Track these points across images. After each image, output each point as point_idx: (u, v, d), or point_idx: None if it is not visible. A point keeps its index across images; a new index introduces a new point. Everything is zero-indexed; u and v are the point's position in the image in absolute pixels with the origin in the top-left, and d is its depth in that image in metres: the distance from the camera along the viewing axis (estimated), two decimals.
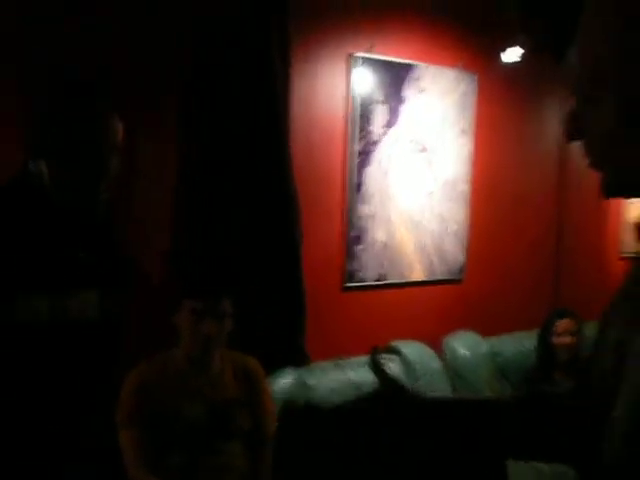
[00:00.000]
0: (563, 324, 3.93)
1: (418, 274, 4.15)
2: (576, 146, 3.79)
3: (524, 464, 1.21)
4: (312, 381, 3.50)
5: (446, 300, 4.29)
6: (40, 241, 1.76)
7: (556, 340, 3.92)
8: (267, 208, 2.98)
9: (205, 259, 2.88)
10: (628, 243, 5.27)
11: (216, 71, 2.87)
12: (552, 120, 4.76)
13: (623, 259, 5.22)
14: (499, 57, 4.23)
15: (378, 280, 3.99)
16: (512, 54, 3.71)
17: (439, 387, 3.88)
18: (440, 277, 4.26)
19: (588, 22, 1.04)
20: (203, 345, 2.67)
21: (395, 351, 3.92)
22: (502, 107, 4.48)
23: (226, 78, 2.87)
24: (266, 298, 3.12)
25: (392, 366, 3.81)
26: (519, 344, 4.31)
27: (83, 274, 1.83)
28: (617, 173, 1.03)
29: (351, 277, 3.89)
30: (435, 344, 4.10)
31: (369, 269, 3.94)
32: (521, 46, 3.67)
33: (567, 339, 3.92)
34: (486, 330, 4.30)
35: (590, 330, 4.30)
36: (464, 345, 4.16)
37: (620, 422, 0.99)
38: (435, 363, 3.98)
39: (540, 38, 3.97)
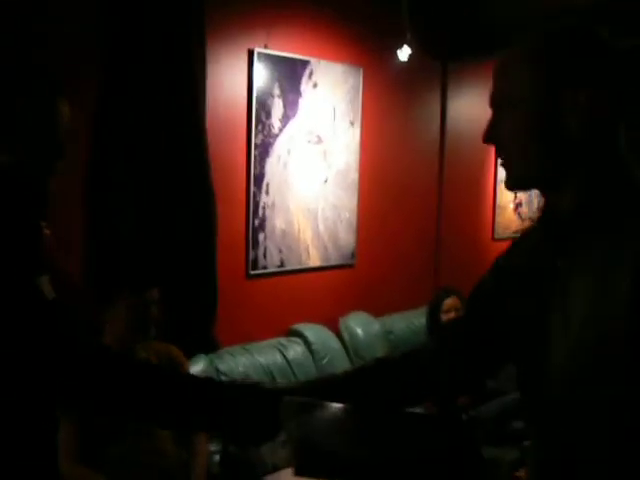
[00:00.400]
0: (449, 302, 4.24)
1: (314, 260, 4.36)
2: (453, 137, 4.18)
3: None
4: (223, 366, 3.63)
5: (340, 284, 4.52)
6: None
7: (444, 317, 4.23)
8: (186, 198, 3.08)
9: (132, 251, 2.95)
10: (501, 226, 5.72)
11: (135, 53, 2.92)
12: (433, 113, 5.09)
13: (496, 241, 5.66)
14: (384, 52, 4.50)
15: (279, 267, 4.16)
16: (404, 53, 3.96)
17: (340, 365, 4.11)
18: (334, 262, 4.49)
19: (508, 61, 1.29)
20: (141, 333, 2.76)
21: (297, 334, 4.12)
22: (387, 100, 4.75)
23: (145, 60, 2.93)
24: (182, 286, 3.22)
25: (297, 348, 4.01)
26: (408, 322, 4.64)
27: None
28: (522, 168, 1.27)
29: (255, 265, 4.04)
30: (332, 325, 4.34)
31: (270, 257, 4.11)
32: (409, 45, 3.92)
33: (453, 315, 4.24)
34: (377, 310, 4.58)
35: None
36: (359, 325, 4.42)
37: (559, 369, 1.22)
38: (334, 343, 4.22)
39: (425, 39, 4.28)
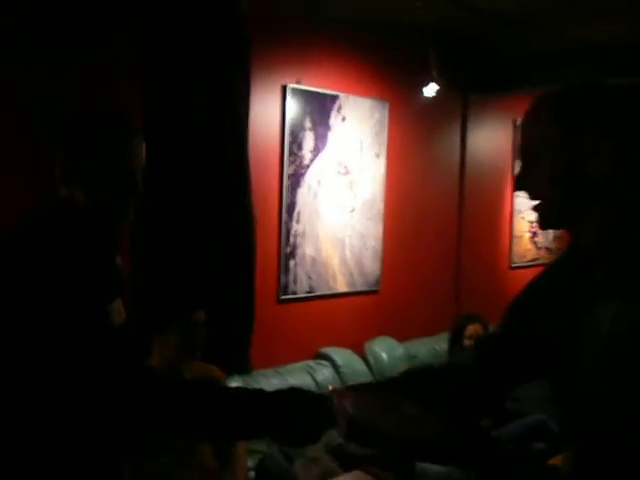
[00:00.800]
0: (472, 328, 4.40)
1: (341, 286, 4.53)
2: (473, 169, 4.39)
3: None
4: (257, 387, 3.79)
5: (366, 309, 4.69)
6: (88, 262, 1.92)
7: (467, 342, 4.39)
8: (230, 227, 3.26)
9: (180, 276, 3.12)
10: (517, 255, 5.89)
11: (184, 91, 3.11)
12: (454, 146, 5.29)
13: (513, 269, 5.83)
14: (408, 87, 4.72)
15: (308, 292, 4.34)
16: (431, 89, 4.16)
17: None
18: (360, 289, 4.66)
19: (531, 116, 1.46)
20: (189, 354, 2.93)
21: (326, 357, 4.29)
22: (411, 133, 4.95)
23: (192, 99, 3.11)
24: (224, 309, 3.39)
25: (325, 371, 4.17)
26: (431, 347, 4.80)
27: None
28: (551, 212, 1.44)
29: (285, 290, 4.21)
30: (358, 349, 4.50)
31: (300, 282, 4.29)
32: (435, 82, 4.12)
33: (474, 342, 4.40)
34: (401, 335, 4.75)
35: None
36: (383, 349, 4.58)
37: (588, 377, 1.39)
38: (360, 366, 4.38)
39: (449, 77, 4.49)
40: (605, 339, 1.36)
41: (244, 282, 3.49)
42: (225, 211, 3.26)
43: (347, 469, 3.46)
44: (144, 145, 2.01)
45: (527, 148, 1.46)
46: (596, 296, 1.40)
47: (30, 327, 1.74)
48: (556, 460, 3.68)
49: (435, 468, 3.72)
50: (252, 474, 3.45)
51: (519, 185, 1.48)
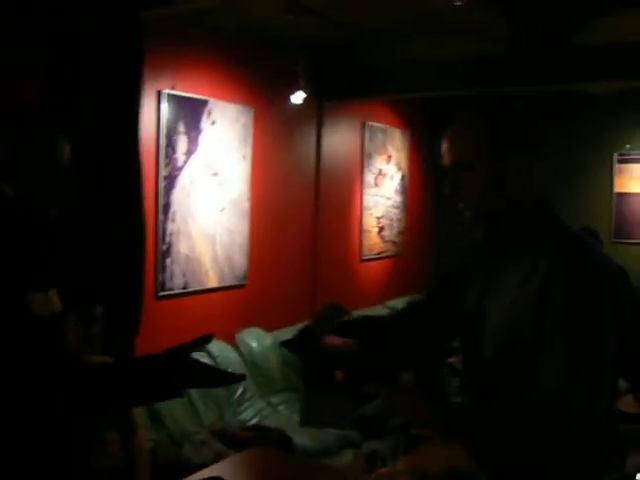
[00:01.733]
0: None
1: (213, 281, 4.78)
2: (326, 170, 4.93)
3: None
4: None
5: (235, 302, 4.97)
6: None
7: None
8: (125, 226, 3.44)
9: (81, 270, 3.25)
10: (367, 248, 6.38)
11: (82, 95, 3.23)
12: (310, 148, 5.67)
13: (363, 261, 6.31)
14: (272, 94, 5.06)
15: (183, 288, 4.56)
16: (298, 97, 4.50)
17: None
18: (229, 283, 4.93)
19: (458, 132, 1.84)
20: (88, 347, 3.09)
21: (202, 349, 4.52)
22: (273, 136, 5.27)
23: (85, 98, 3.24)
24: (116, 307, 3.55)
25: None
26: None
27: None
28: (479, 210, 1.83)
29: (162, 287, 4.41)
30: (230, 340, 4.78)
31: (176, 279, 4.50)
32: (303, 90, 4.47)
33: None
34: (268, 325, 5.07)
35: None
36: (253, 339, 4.90)
37: (489, 340, 1.79)
38: (233, 355, 4.66)
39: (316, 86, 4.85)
40: (506, 304, 1.76)
41: (136, 280, 3.67)
42: (123, 210, 3.43)
43: (234, 450, 3.74)
44: (67, 144, 2.15)
45: (457, 159, 1.80)
46: (502, 273, 1.80)
47: None
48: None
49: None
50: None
51: (453, 193, 1.83)
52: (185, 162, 4.50)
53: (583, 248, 1.76)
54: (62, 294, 2.67)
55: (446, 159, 1.84)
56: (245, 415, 4.54)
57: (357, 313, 5.44)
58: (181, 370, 1.98)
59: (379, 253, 6.61)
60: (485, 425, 1.70)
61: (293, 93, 4.52)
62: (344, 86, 5.53)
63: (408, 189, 7.10)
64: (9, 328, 1.87)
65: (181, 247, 4.52)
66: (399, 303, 6.27)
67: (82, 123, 3.17)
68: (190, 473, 3.34)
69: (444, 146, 1.84)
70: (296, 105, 4.84)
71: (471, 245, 2.03)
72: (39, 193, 2.12)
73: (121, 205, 3.44)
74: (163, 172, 4.36)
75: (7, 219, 2.02)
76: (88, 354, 3.26)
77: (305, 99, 4.75)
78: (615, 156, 6.77)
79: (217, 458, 3.63)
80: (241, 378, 1.98)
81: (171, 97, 4.38)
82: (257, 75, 5.03)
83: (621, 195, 6.77)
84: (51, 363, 1.98)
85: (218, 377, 1.99)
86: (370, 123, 6.34)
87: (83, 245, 3.30)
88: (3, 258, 1.92)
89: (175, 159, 4.44)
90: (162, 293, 4.41)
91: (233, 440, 3.93)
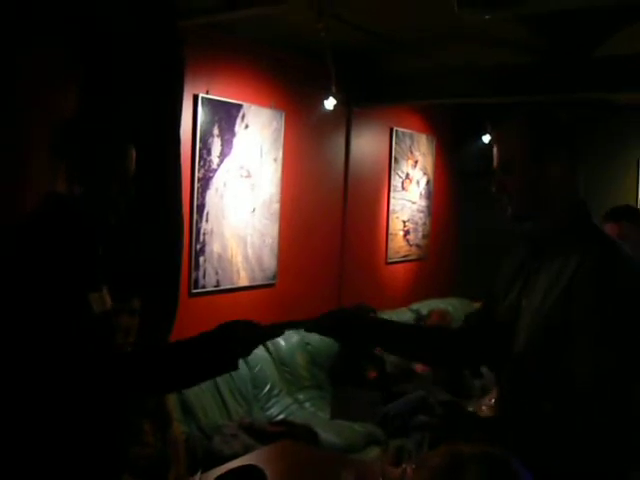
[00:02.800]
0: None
1: (243, 280, 4.93)
2: (354, 174, 5.06)
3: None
4: None
5: (264, 301, 5.11)
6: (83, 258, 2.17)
7: None
8: (166, 227, 3.58)
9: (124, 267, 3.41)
10: (392, 251, 6.49)
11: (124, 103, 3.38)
12: (339, 152, 5.80)
13: (388, 264, 6.43)
14: (303, 98, 5.20)
15: (215, 286, 4.70)
16: (330, 103, 4.64)
17: (270, 372, 4.72)
18: (259, 282, 5.07)
19: (507, 138, 1.95)
20: (126, 340, 3.24)
21: None
22: (304, 140, 5.42)
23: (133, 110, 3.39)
24: (153, 301, 3.70)
25: None
26: None
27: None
28: (521, 209, 1.93)
29: (196, 284, 4.56)
30: None
31: (209, 277, 4.64)
32: (334, 97, 4.60)
33: None
34: None
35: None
36: (281, 337, 4.98)
37: (522, 340, 1.87)
38: (263, 353, 4.80)
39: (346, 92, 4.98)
40: (538, 304, 1.86)
41: (173, 277, 3.81)
42: (163, 209, 3.57)
43: (262, 444, 3.87)
44: (134, 153, 2.29)
45: (501, 161, 1.92)
46: (537, 274, 1.91)
47: (8, 313, 1.92)
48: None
49: None
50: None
51: (498, 190, 1.94)
52: (219, 164, 4.65)
53: (613, 251, 1.83)
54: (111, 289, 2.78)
55: (493, 160, 1.97)
56: (272, 411, 4.67)
57: (382, 314, 5.57)
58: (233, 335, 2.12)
59: (404, 256, 6.72)
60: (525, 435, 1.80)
61: (324, 98, 4.65)
62: (373, 92, 5.66)
63: (433, 193, 7.21)
64: (74, 327, 2.00)
65: (214, 246, 4.66)
66: (423, 306, 6.39)
67: (130, 129, 3.32)
68: (222, 464, 3.49)
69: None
70: (326, 110, 4.98)
71: (512, 253, 2.12)
72: (106, 197, 2.23)
73: (162, 205, 3.58)
74: (198, 174, 4.51)
75: (73, 218, 2.15)
76: (127, 347, 3.43)
77: (336, 105, 4.88)
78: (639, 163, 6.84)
79: (246, 450, 3.76)
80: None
81: (207, 101, 4.53)
82: (288, 80, 5.18)
83: None
84: (107, 358, 2.12)
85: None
86: (397, 128, 6.46)
87: (127, 242, 3.43)
88: (69, 259, 2.05)
89: (210, 161, 4.59)
90: (195, 290, 4.56)
91: (261, 434, 4.07)
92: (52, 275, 1.99)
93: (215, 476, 2.55)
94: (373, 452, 4.24)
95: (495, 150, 1.97)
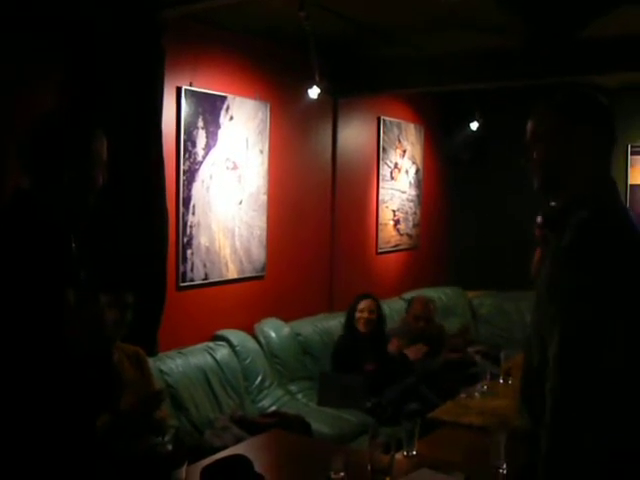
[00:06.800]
0: (363, 304, 5.05)
1: (232, 273, 4.90)
2: (342, 164, 5.05)
3: None
4: (165, 367, 4.11)
5: (254, 293, 5.09)
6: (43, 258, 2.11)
7: (357, 315, 5.01)
8: (150, 223, 3.57)
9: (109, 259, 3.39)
10: (383, 241, 6.48)
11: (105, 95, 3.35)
12: (326, 142, 5.78)
13: (379, 254, 6.41)
14: (288, 89, 5.18)
15: (204, 279, 4.68)
16: (314, 92, 4.62)
17: (261, 363, 4.71)
18: (248, 275, 5.05)
19: (542, 112, 1.93)
20: (119, 334, 3.24)
21: (222, 338, 4.66)
22: (290, 131, 5.39)
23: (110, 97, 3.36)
24: (142, 295, 3.68)
25: (223, 351, 4.54)
26: (313, 325, 5.30)
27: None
28: (549, 184, 1.92)
29: (183, 277, 4.53)
30: (249, 330, 4.90)
31: (196, 270, 4.62)
32: (318, 85, 4.58)
33: (365, 314, 5.03)
34: (286, 315, 5.19)
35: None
36: (271, 329, 5.01)
37: (554, 357, 1.78)
38: (253, 345, 4.78)
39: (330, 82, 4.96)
40: (539, 290, 1.86)
41: (160, 270, 3.80)
42: (148, 204, 3.56)
43: (254, 435, 3.84)
44: (105, 141, 2.19)
45: (531, 134, 1.92)
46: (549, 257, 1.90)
47: None
48: (432, 414, 4.25)
49: None
50: (170, 447, 3.76)
51: (527, 166, 1.95)
52: (204, 156, 4.62)
53: (606, 216, 1.81)
54: (97, 279, 2.72)
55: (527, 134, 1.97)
56: (264, 403, 4.65)
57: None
58: None
59: (395, 246, 6.70)
60: None
61: (308, 88, 4.63)
62: (358, 81, 5.63)
63: (423, 182, 7.19)
64: (48, 322, 1.98)
65: (201, 239, 4.64)
66: (414, 295, 6.37)
67: (106, 120, 3.29)
68: (211, 456, 3.47)
69: None
70: (312, 100, 4.95)
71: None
72: (73, 191, 2.14)
73: (145, 197, 3.57)
74: (183, 166, 4.48)
75: (41, 213, 2.08)
76: (118, 340, 3.41)
77: (320, 94, 4.85)
78: (629, 148, 6.82)
79: (238, 443, 3.74)
80: None
81: (190, 93, 4.50)
82: (273, 71, 5.15)
83: (634, 187, 6.82)
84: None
85: None
86: (385, 117, 6.43)
87: (109, 235, 3.42)
88: (38, 255, 2.00)
89: (195, 153, 4.56)
90: (183, 284, 4.53)
91: (253, 426, 4.04)
92: (22, 273, 1.96)
93: (202, 467, 2.54)
94: (365, 441, 4.22)
95: (530, 124, 1.96)
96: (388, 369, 4.92)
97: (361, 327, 5.07)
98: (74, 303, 2.05)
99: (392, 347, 5.11)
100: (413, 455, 2.95)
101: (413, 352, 5.09)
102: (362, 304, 5.10)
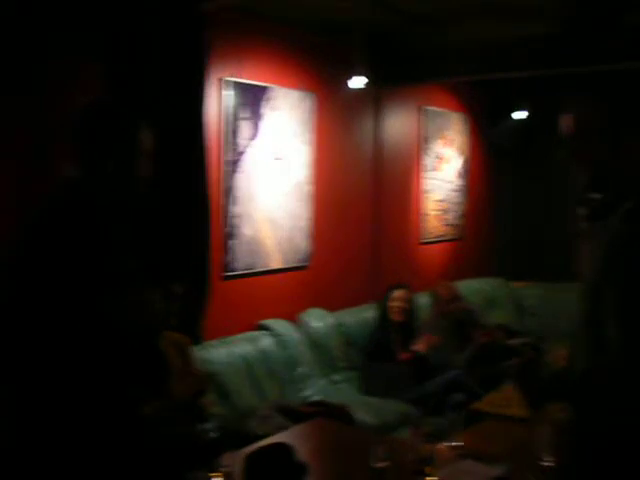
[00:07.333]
0: (397, 293, 5.05)
1: (276, 263, 4.93)
2: (385, 154, 4.98)
3: None
4: (209, 356, 4.15)
5: (298, 283, 5.11)
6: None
7: (390, 304, 5.00)
8: (194, 213, 3.61)
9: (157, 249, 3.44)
10: (426, 231, 6.45)
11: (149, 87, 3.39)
12: (368, 132, 5.76)
13: (422, 244, 6.38)
14: (332, 80, 5.17)
15: (248, 269, 4.71)
16: (358, 82, 4.60)
17: (304, 353, 4.72)
18: (292, 265, 5.07)
19: (586, 105, 1.90)
20: (168, 323, 3.28)
21: (266, 328, 4.69)
22: (334, 121, 5.39)
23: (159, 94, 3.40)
24: (189, 286, 3.72)
25: (266, 340, 4.57)
26: (356, 316, 5.30)
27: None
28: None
29: (228, 267, 4.57)
30: (292, 320, 4.92)
31: (240, 260, 4.65)
32: (364, 75, 4.55)
33: (398, 304, 5.01)
34: (329, 306, 5.20)
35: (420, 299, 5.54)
36: (315, 319, 5.03)
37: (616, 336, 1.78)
38: (297, 335, 4.80)
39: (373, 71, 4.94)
40: (587, 280, 1.85)
41: (205, 261, 3.84)
42: (195, 197, 3.60)
43: (297, 424, 3.87)
44: (150, 132, 2.23)
45: (576, 129, 1.87)
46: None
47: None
48: (476, 405, 4.24)
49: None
50: (213, 434, 3.80)
51: (573, 158, 1.91)
52: (247, 147, 4.64)
53: None
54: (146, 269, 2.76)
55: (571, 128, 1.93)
56: (307, 392, 4.67)
57: (417, 295, 5.55)
58: None
59: (439, 236, 6.66)
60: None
61: (351, 79, 4.62)
62: (401, 71, 5.60)
63: (469, 172, 7.13)
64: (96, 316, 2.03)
65: (245, 229, 4.66)
66: (460, 286, 6.32)
67: (151, 111, 3.33)
68: (254, 443, 3.51)
69: None
70: (355, 90, 4.94)
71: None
72: (123, 178, 2.17)
73: (189, 188, 3.60)
74: (226, 157, 4.51)
75: (87, 204, 2.12)
76: (167, 330, 3.47)
77: (366, 84, 4.84)
78: None
79: (280, 431, 3.77)
80: None
81: (234, 84, 4.52)
82: (317, 61, 5.16)
83: None
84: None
85: None
86: (427, 107, 6.39)
87: (160, 225, 3.46)
88: (84, 245, 2.03)
89: (237, 144, 4.58)
90: (227, 274, 4.57)
91: (296, 415, 4.06)
92: (70, 262, 1.99)
93: (245, 455, 2.57)
94: (407, 431, 4.21)
95: (575, 116, 1.91)
96: (423, 360, 4.92)
97: (395, 316, 5.08)
98: (125, 293, 2.09)
99: (420, 345, 5.05)
100: (456, 446, 2.93)
101: (422, 344, 5.04)
102: (395, 294, 5.12)
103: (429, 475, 2.53)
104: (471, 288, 6.46)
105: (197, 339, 4.10)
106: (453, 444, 2.95)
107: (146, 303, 2.26)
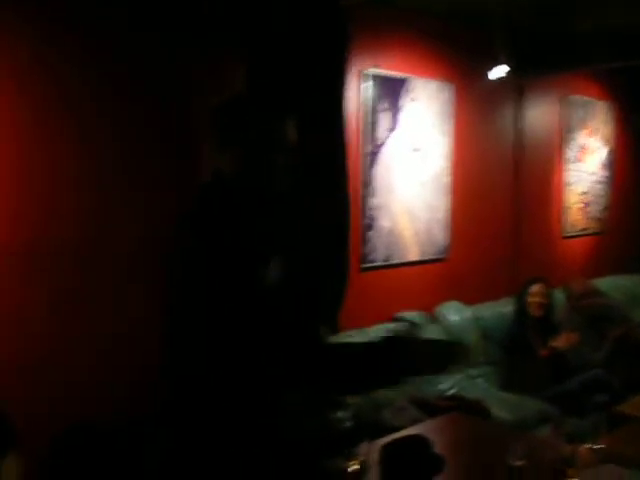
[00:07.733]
0: (535, 288, 4.92)
1: (414, 255, 4.93)
2: (526, 145, 4.79)
3: None
4: None
5: (435, 276, 5.09)
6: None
7: (529, 299, 4.87)
8: (334, 204, 3.66)
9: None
10: (568, 224, 6.25)
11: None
12: (508, 123, 5.64)
13: (565, 238, 6.19)
14: (471, 70, 5.09)
15: (385, 261, 4.73)
16: (500, 71, 4.51)
17: None
18: (430, 257, 5.05)
19: None
20: None
21: (402, 320, 4.69)
22: (473, 112, 5.31)
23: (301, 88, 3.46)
24: (327, 278, 3.78)
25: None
26: (495, 310, 5.20)
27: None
28: None
29: (365, 259, 4.61)
30: (429, 312, 4.90)
31: (378, 252, 4.68)
32: (506, 64, 4.45)
33: (538, 299, 4.87)
34: (467, 299, 5.14)
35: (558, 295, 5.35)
36: (453, 312, 4.98)
37: None
38: (434, 328, 4.78)
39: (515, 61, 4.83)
40: None
41: (343, 252, 3.88)
42: (333, 187, 3.64)
43: (431, 417, 3.86)
44: (293, 125, 2.24)
45: None
46: None
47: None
48: (621, 408, 4.07)
49: None
50: (349, 423, 3.86)
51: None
52: (386, 139, 4.66)
53: None
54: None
55: None
56: (443, 386, 4.64)
57: (558, 291, 5.41)
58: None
59: (582, 230, 6.44)
60: None
61: (492, 69, 4.52)
62: (544, 59, 5.42)
63: (614, 163, 6.83)
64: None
65: (383, 221, 4.69)
66: (603, 282, 6.09)
67: (293, 105, 3.39)
68: (389, 434, 3.53)
69: None
70: (495, 81, 4.85)
71: None
72: (269, 170, 2.20)
73: (330, 181, 3.64)
74: (365, 149, 4.54)
75: (236, 198, 2.21)
76: None
77: (507, 74, 4.73)
78: None
79: (415, 423, 3.77)
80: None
81: (372, 76, 4.54)
82: (456, 52, 5.09)
83: None
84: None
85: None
86: (569, 96, 6.18)
87: (302, 217, 3.51)
88: (235, 236, 2.11)
89: (376, 136, 4.60)
90: (365, 265, 4.61)
91: (431, 408, 4.05)
92: (215, 253, 2.08)
93: (381, 445, 2.59)
94: (545, 430, 4.12)
95: None
96: (562, 357, 4.77)
97: (534, 311, 4.93)
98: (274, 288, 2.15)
99: (560, 342, 4.88)
100: (599, 449, 2.83)
101: (562, 341, 4.85)
102: (534, 288, 4.97)
103: (570, 477, 2.46)
104: (614, 284, 6.21)
105: (334, 328, 4.16)
106: (595, 447, 2.86)
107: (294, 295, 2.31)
